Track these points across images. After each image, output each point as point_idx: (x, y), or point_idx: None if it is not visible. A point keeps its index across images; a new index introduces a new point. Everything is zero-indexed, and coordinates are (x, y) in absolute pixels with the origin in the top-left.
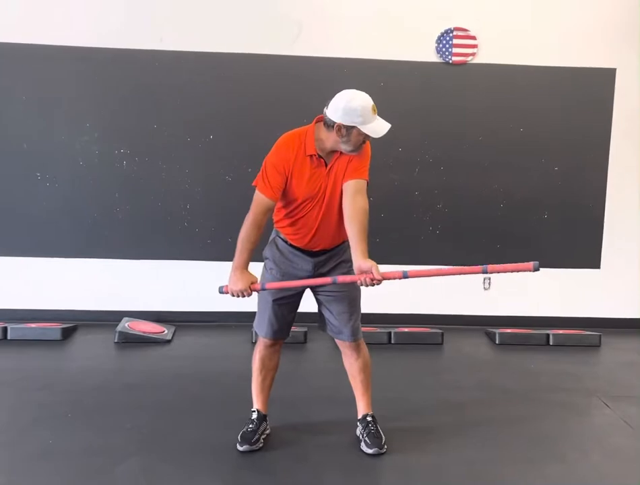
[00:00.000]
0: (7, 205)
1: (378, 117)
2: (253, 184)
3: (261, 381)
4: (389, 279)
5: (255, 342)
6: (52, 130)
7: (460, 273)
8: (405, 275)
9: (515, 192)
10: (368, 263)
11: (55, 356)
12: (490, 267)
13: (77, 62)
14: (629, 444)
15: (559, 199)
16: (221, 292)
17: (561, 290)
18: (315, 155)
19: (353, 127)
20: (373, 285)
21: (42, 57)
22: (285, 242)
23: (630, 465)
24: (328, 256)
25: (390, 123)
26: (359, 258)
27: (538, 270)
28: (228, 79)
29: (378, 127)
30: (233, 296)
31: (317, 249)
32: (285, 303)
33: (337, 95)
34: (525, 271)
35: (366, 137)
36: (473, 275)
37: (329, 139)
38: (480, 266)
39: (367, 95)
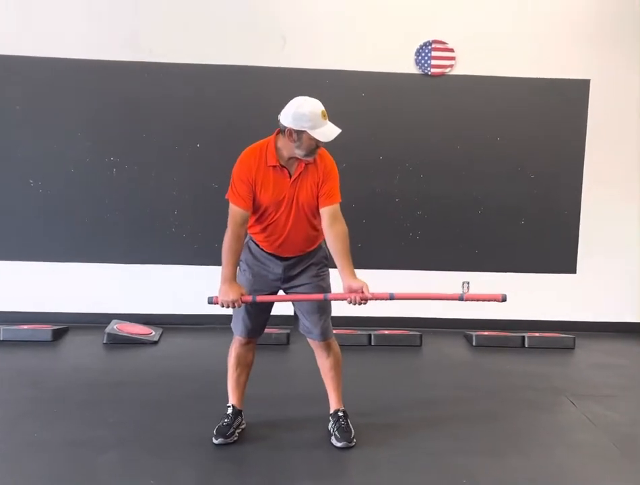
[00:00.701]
0: (0, 210)
1: (328, 122)
2: (226, 197)
3: (236, 378)
4: (377, 299)
5: None
6: (44, 138)
7: (440, 299)
8: (391, 297)
9: (492, 200)
10: (360, 283)
11: (46, 356)
12: (466, 295)
13: (69, 74)
14: (590, 439)
15: (535, 206)
16: (210, 303)
17: (538, 294)
18: (277, 165)
19: (303, 132)
20: (361, 304)
21: (35, 69)
22: (257, 245)
23: (589, 458)
24: (298, 259)
25: (371, 132)
26: (349, 278)
27: (505, 300)
28: (214, 90)
29: (328, 131)
30: (223, 306)
31: (287, 255)
32: (258, 303)
33: (290, 102)
34: (494, 300)
35: (318, 141)
36: (453, 279)
37: (286, 146)
38: (457, 293)
39: (317, 102)
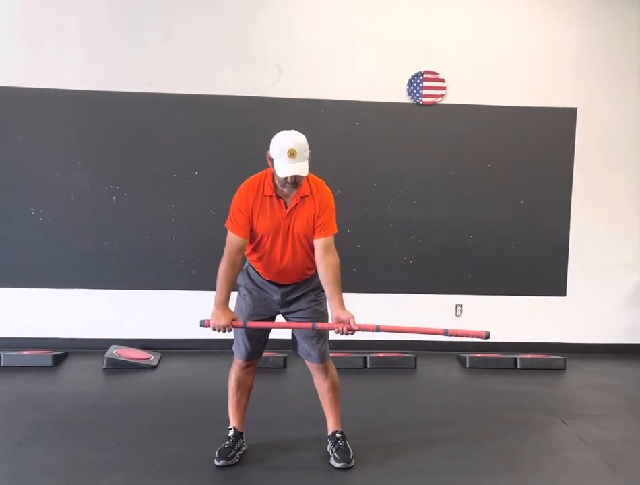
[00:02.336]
0: (1, 237)
1: (295, 161)
2: (225, 225)
3: (236, 401)
4: (363, 330)
5: None
6: (46, 167)
7: (425, 333)
8: (377, 329)
9: (483, 224)
10: (347, 314)
11: (46, 381)
12: (450, 330)
13: (70, 104)
14: (581, 458)
15: (525, 231)
16: (202, 326)
17: (529, 317)
18: (273, 196)
19: (272, 159)
20: (348, 334)
21: (37, 100)
22: (256, 272)
23: (580, 476)
24: (295, 286)
25: (365, 159)
26: (337, 308)
27: (489, 338)
28: (212, 120)
29: (285, 168)
30: (214, 330)
31: (284, 283)
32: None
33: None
34: (478, 337)
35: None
36: (446, 302)
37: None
38: (442, 329)
39: (294, 140)
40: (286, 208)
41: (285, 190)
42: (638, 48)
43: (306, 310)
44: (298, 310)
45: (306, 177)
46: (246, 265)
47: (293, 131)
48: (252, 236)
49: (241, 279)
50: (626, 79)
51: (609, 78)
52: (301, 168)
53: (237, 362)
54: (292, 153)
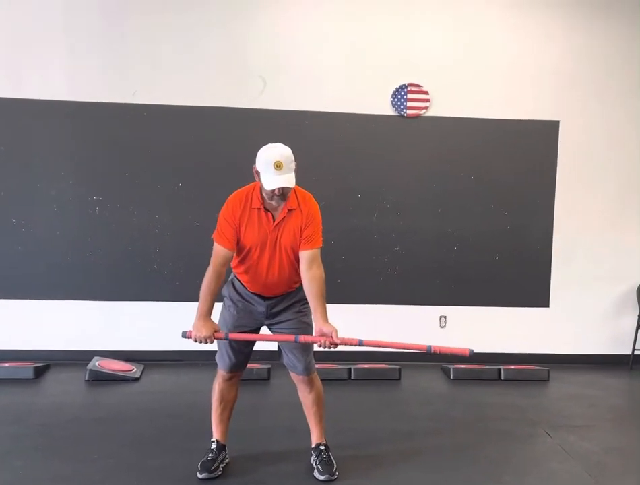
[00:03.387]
0: None
1: (281, 173)
2: (212, 237)
3: (220, 413)
4: (346, 344)
5: None
6: (28, 178)
7: (408, 348)
8: (360, 343)
9: (467, 236)
10: (330, 328)
11: (28, 394)
12: (433, 347)
13: (53, 115)
14: (564, 468)
15: (509, 242)
16: (184, 337)
17: (513, 328)
18: (261, 208)
19: (259, 173)
20: (331, 348)
21: (20, 110)
22: (242, 284)
23: None
24: (281, 298)
25: (349, 171)
26: (320, 321)
27: (472, 355)
28: (196, 131)
29: (272, 180)
30: (196, 341)
31: (270, 295)
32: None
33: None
34: (461, 354)
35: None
36: (430, 313)
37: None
38: (425, 345)
39: (279, 152)
40: (274, 221)
41: (273, 202)
42: (619, 60)
43: (291, 320)
44: (283, 320)
45: (294, 190)
46: (231, 276)
47: (278, 144)
48: (239, 248)
49: (226, 291)
50: (607, 91)
51: (590, 91)
52: (288, 180)
53: (220, 374)
54: (278, 166)
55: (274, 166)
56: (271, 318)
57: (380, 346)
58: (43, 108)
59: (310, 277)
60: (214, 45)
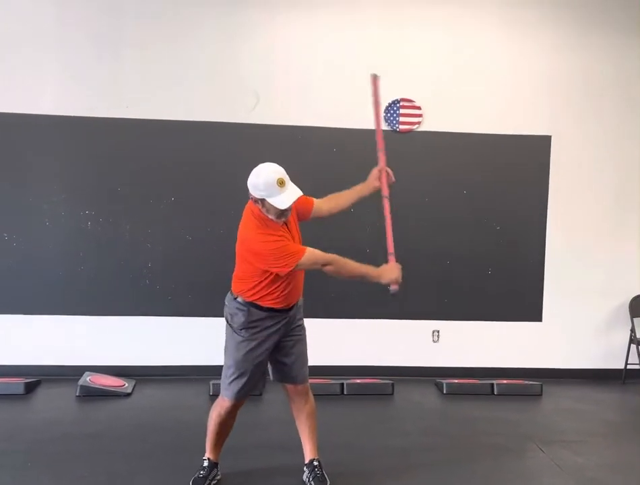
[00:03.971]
0: None
1: (287, 188)
2: (292, 266)
3: (217, 437)
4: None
5: (213, 395)
6: (20, 193)
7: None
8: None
9: (460, 250)
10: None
11: (18, 409)
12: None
13: (46, 129)
14: (557, 483)
15: (501, 256)
16: (394, 293)
17: (506, 342)
18: (279, 223)
19: (264, 199)
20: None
21: (12, 124)
22: (261, 308)
23: None
24: (295, 309)
25: (342, 185)
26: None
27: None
28: (189, 145)
29: (284, 198)
30: (399, 283)
31: (294, 302)
32: (264, 359)
33: (252, 171)
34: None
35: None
36: (423, 327)
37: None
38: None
39: (273, 170)
40: (287, 226)
41: (283, 218)
42: (610, 76)
43: (299, 326)
44: (295, 326)
45: None
46: (242, 307)
47: (263, 165)
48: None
49: (239, 322)
50: (599, 107)
51: (582, 107)
52: (296, 190)
53: (231, 404)
54: (281, 183)
55: (278, 184)
56: (288, 326)
57: (385, 215)
58: (35, 123)
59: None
60: (208, 60)
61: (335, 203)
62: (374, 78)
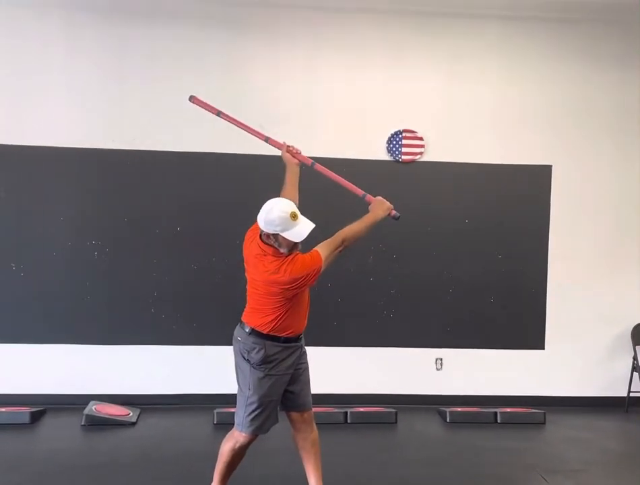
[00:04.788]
0: None
1: (300, 221)
2: (321, 268)
3: (228, 468)
4: (300, 159)
5: (217, 423)
6: (28, 223)
7: (349, 188)
8: (313, 164)
9: (462, 278)
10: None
11: (24, 439)
12: (367, 196)
13: (54, 161)
14: None
15: (504, 285)
16: (397, 216)
17: (509, 370)
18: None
19: (277, 234)
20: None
21: (21, 157)
22: (278, 340)
23: None
24: (302, 339)
25: (346, 215)
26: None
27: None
28: (194, 176)
29: (300, 231)
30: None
31: (303, 329)
32: (281, 392)
33: (262, 207)
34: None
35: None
36: (426, 355)
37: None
38: (361, 191)
39: (285, 204)
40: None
41: (295, 250)
42: (609, 106)
43: (304, 354)
44: (302, 354)
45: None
46: (257, 346)
47: (273, 200)
48: (294, 299)
49: (258, 359)
50: (599, 136)
51: (582, 136)
52: (308, 222)
53: (246, 438)
54: (294, 216)
55: (292, 218)
56: (299, 358)
57: (328, 175)
58: (43, 155)
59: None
60: (214, 94)
61: (292, 200)
62: (193, 99)
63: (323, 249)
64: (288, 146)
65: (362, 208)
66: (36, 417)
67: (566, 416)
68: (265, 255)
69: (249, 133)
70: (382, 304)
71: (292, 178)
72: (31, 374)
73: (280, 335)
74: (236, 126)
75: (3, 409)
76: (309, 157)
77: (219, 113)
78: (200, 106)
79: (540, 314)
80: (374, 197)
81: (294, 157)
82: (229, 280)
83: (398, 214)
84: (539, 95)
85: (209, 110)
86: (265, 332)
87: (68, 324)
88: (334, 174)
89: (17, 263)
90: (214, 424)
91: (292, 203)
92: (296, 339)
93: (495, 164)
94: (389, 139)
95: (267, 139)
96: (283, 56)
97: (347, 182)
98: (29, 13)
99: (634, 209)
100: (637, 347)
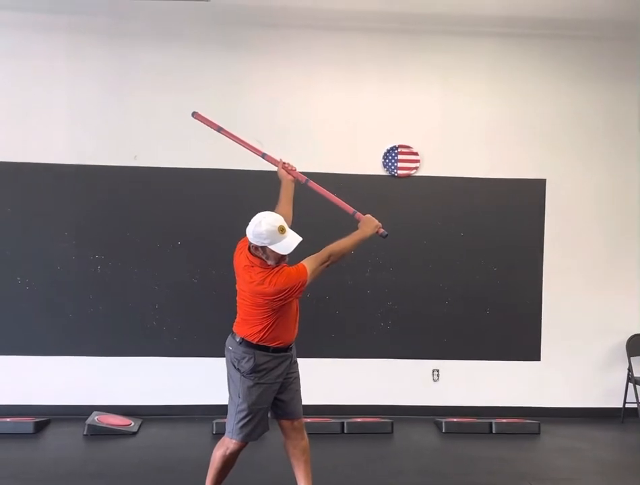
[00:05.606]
0: None
1: (288, 234)
2: (307, 281)
3: (219, 474)
4: (295, 176)
5: (216, 433)
6: (32, 238)
7: (340, 205)
8: (306, 182)
9: (458, 291)
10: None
11: (27, 448)
12: (357, 214)
13: (57, 178)
14: None
15: (499, 297)
16: (385, 235)
17: (505, 381)
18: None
19: (265, 246)
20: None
21: (26, 173)
22: (267, 350)
23: None
24: (293, 348)
25: (342, 229)
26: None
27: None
28: (194, 192)
29: (287, 244)
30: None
31: (294, 338)
32: (271, 400)
33: (251, 220)
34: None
35: None
36: (423, 367)
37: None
38: (352, 209)
39: (274, 217)
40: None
41: (282, 262)
42: (603, 121)
43: (295, 363)
44: (292, 363)
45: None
46: (247, 355)
47: (261, 214)
48: (282, 309)
49: (248, 368)
50: (593, 151)
51: (576, 151)
52: (295, 236)
53: (236, 445)
54: (282, 230)
55: (279, 231)
56: (290, 368)
57: (320, 192)
58: (47, 171)
59: None
60: (213, 111)
61: (286, 216)
62: (195, 114)
63: (309, 263)
64: (284, 163)
65: (351, 223)
66: (39, 427)
67: (561, 427)
68: (252, 267)
69: (247, 149)
70: (379, 316)
71: (286, 194)
72: (35, 385)
73: (269, 345)
74: (234, 142)
75: (8, 419)
76: (307, 173)
77: (219, 129)
78: (202, 121)
79: (536, 326)
80: (364, 214)
81: (289, 173)
82: (228, 293)
83: (386, 232)
84: (533, 110)
85: (210, 126)
86: (254, 342)
87: (71, 336)
88: (326, 191)
89: (22, 276)
90: (213, 434)
91: (280, 217)
92: (286, 349)
93: (490, 178)
94: (385, 154)
95: (263, 156)
96: (280, 74)
97: (338, 199)
98: (35, 34)
99: (628, 221)
100: (632, 358)
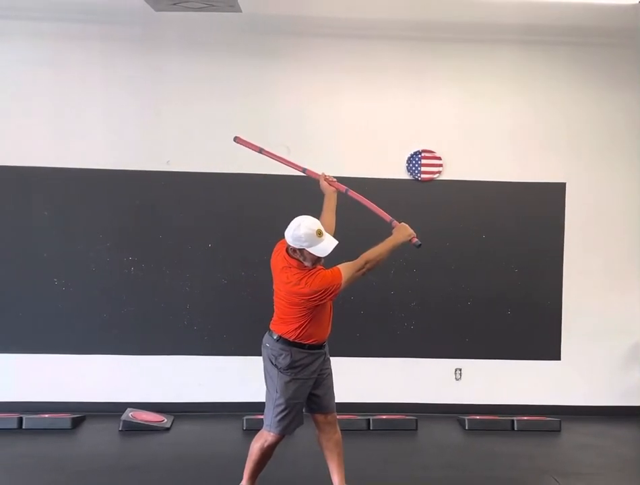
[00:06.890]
0: (26, 307)
1: (325, 237)
2: (342, 285)
3: (257, 466)
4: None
5: (247, 429)
6: (68, 240)
7: (378, 213)
8: (347, 191)
9: (480, 292)
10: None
11: (65, 443)
12: (393, 222)
13: (93, 182)
14: None
15: (520, 297)
16: (419, 245)
17: (526, 380)
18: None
19: (303, 249)
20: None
21: (63, 178)
22: (303, 347)
23: None
24: (325, 346)
25: (368, 232)
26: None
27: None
28: (225, 195)
29: (325, 247)
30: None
31: (327, 337)
32: (306, 395)
33: (290, 224)
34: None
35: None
36: (445, 366)
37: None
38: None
39: (312, 221)
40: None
41: (318, 264)
42: (623, 125)
43: (328, 360)
44: (326, 360)
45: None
46: (284, 352)
47: (300, 218)
48: (317, 309)
49: (285, 363)
50: (612, 154)
51: (596, 154)
52: (332, 239)
53: (275, 438)
54: (319, 233)
55: (317, 234)
56: (323, 364)
57: (360, 200)
58: (84, 176)
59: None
60: (243, 119)
61: (329, 225)
62: (237, 139)
63: (345, 269)
64: (325, 176)
65: (386, 230)
66: (76, 423)
67: (582, 424)
68: (289, 268)
69: (288, 166)
70: (403, 316)
71: (329, 205)
72: (72, 383)
73: (305, 342)
74: (275, 161)
75: (46, 416)
76: (335, 177)
77: (261, 150)
78: (243, 145)
79: (556, 326)
80: (400, 222)
81: (330, 185)
82: (257, 293)
83: (419, 242)
84: (554, 114)
85: (251, 148)
86: (291, 339)
87: (105, 335)
88: (365, 199)
89: (59, 278)
90: (243, 429)
91: (318, 221)
92: (320, 346)
93: (511, 181)
94: (409, 158)
95: (304, 170)
96: (308, 81)
97: (376, 207)
98: (71, 45)
99: None
100: None
